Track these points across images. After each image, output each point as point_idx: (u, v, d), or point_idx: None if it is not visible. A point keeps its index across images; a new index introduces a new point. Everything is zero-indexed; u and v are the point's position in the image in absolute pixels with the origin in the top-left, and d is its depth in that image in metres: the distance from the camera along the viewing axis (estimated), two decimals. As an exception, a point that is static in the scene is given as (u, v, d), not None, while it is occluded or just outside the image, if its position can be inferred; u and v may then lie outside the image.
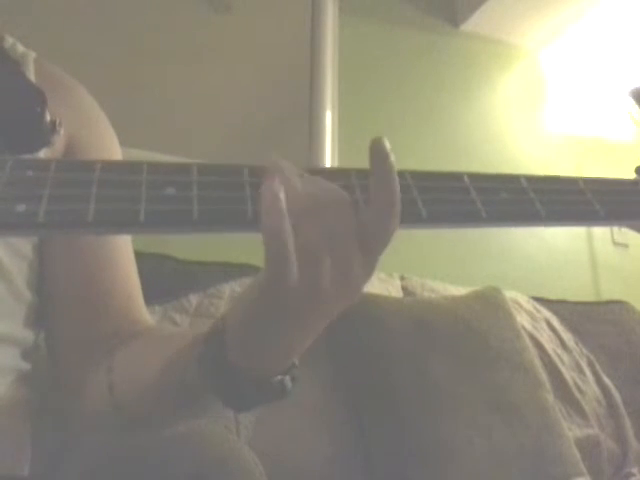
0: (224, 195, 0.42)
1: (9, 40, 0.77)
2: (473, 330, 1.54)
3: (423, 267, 1.90)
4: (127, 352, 0.66)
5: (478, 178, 0.50)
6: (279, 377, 0.51)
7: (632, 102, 2.30)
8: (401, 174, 0.48)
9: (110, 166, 0.42)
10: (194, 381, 0.53)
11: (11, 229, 0.39)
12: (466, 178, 0.50)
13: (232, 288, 1.46)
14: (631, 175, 0.60)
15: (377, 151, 0.45)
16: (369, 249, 0.45)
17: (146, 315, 0.75)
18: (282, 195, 0.42)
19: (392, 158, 0.45)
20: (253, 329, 0.48)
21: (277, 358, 0.50)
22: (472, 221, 0.48)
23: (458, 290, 1.77)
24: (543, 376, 1.59)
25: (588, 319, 1.95)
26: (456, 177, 0.50)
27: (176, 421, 0.64)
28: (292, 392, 0.52)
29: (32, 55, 0.77)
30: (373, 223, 0.45)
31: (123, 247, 0.75)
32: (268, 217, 0.42)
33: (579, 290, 2.18)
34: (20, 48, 0.77)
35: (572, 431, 1.57)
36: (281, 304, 0.45)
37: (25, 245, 0.69)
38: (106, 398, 0.64)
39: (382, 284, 1.70)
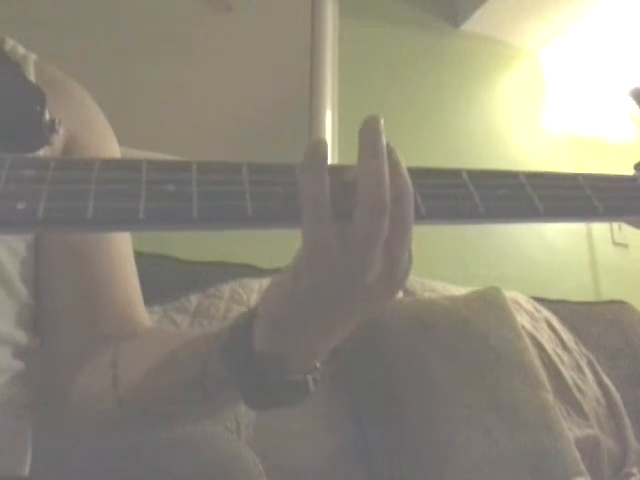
0: (224, 192, 0.42)
1: (9, 42, 0.78)
2: (473, 330, 1.54)
3: (423, 267, 1.90)
4: (131, 347, 0.66)
5: (476, 174, 0.50)
6: (302, 377, 0.50)
7: (632, 102, 2.30)
8: None
9: (109, 164, 0.42)
10: (214, 375, 0.52)
11: (11, 226, 0.39)
12: (465, 174, 0.50)
13: (232, 288, 1.46)
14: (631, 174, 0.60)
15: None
16: (409, 241, 0.45)
17: (145, 317, 0.74)
18: (326, 181, 0.42)
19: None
20: (290, 324, 0.47)
21: (305, 354, 0.49)
22: (470, 217, 0.48)
23: (458, 290, 1.77)
24: (543, 376, 1.59)
25: (588, 319, 1.95)
26: (455, 173, 0.50)
27: (183, 419, 0.63)
28: (314, 393, 0.51)
29: (32, 57, 0.77)
30: (402, 204, 0.44)
31: (123, 248, 0.75)
32: (309, 205, 0.42)
33: (579, 290, 2.18)
34: (21, 50, 0.78)
35: (572, 431, 1.57)
36: (323, 299, 0.44)
37: (19, 243, 0.68)
38: (110, 393, 0.63)
39: (382, 284, 1.69)
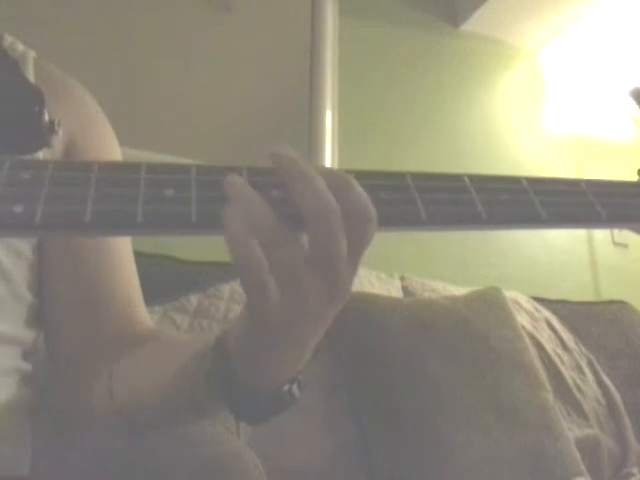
0: (223, 196, 0.42)
1: (8, 39, 0.77)
2: (473, 330, 1.54)
3: (423, 267, 1.90)
4: (128, 359, 0.66)
5: (478, 179, 0.49)
6: (287, 386, 0.50)
7: (632, 102, 2.29)
8: (401, 175, 0.47)
9: (108, 167, 0.41)
10: (203, 395, 0.52)
11: (8, 230, 0.39)
12: (466, 179, 0.49)
13: (232, 288, 1.46)
14: (631, 175, 0.60)
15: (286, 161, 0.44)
16: (351, 250, 0.44)
17: (146, 317, 0.74)
18: (245, 218, 0.41)
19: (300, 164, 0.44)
20: (250, 346, 0.48)
21: (281, 370, 0.49)
22: (472, 223, 0.47)
23: (458, 290, 1.77)
24: (543, 376, 1.59)
25: (588, 319, 1.95)
26: (456, 178, 0.49)
27: (178, 427, 0.64)
28: (300, 399, 0.52)
29: (32, 54, 0.77)
30: (352, 231, 0.43)
31: (123, 249, 0.75)
32: (233, 244, 0.41)
33: (579, 290, 2.18)
34: (20, 47, 0.77)
35: (572, 431, 1.57)
36: (269, 320, 0.45)
37: (25, 246, 0.68)
38: (106, 403, 0.64)
39: (382, 284, 1.70)
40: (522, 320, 1.75)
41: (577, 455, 1.48)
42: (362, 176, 0.46)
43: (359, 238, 0.43)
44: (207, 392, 0.51)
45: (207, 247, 1.53)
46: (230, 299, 1.44)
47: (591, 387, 1.76)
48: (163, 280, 1.38)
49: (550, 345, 1.78)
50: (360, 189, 0.43)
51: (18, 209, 0.37)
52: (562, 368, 1.73)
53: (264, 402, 0.50)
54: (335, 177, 0.44)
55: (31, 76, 0.74)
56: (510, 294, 1.80)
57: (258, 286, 0.43)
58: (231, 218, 0.41)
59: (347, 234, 0.43)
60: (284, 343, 0.47)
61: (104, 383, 0.64)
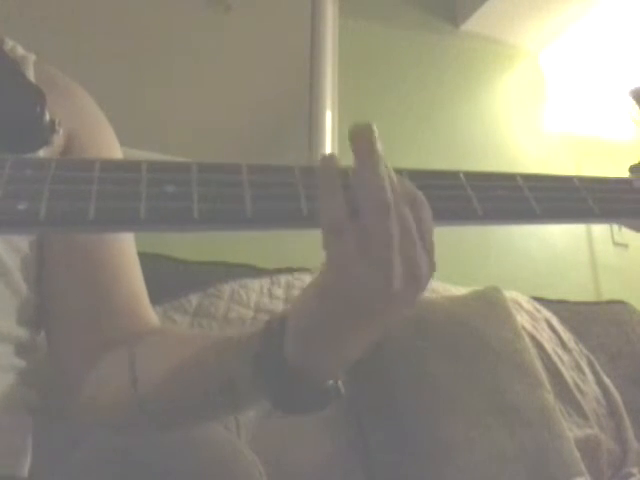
0: (224, 193, 0.42)
1: (9, 43, 0.78)
2: (473, 330, 1.54)
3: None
4: (149, 346, 0.66)
5: (474, 176, 0.50)
6: (333, 381, 0.50)
7: (632, 102, 2.30)
8: (397, 172, 0.48)
9: (110, 164, 0.42)
10: (245, 383, 0.52)
11: (13, 227, 0.39)
12: (462, 176, 0.50)
13: (232, 288, 1.46)
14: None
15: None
16: (429, 244, 0.45)
17: (152, 314, 0.74)
18: (340, 189, 0.42)
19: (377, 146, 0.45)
20: (318, 329, 0.47)
21: (337, 361, 0.49)
22: (468, 219, 0.48)
23: (458, 290, 1.77)
24: (543, 376, 1.59)
25: (588, 319, 1.95)
26: (452, 175, 0.50)
27: (204, 420, 0.63)
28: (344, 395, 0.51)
29: (32, 58, 0.77)
30: (429, 219, 0.45)
31: (126, 245, 0.75)
32: (327, 213, 0.42)
33: (579, 290, 2.18)
34: (20, 51, 0.78)
35: (572, 431, 1.57)
36: (351, 306, 0.45)
37: (22, 241, 0.69)
38: (128, 394, 0.63)
39: (382, 284, 1.69)
40: (522, 320, 1.75)
41: (577, 455, 1.48)
42: None
43: (429, 225, 0.45)
44: (252, 377, 0.51)
45: (207, 247, 1.54)
46: (230, 299, 1.44)
47: (591, 387, 1.76)
48: (163, 280, 1.38)
49: (550, 345, 1.78)
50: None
51: (22, 206, 0.38)
52: (562, 368, 1.73)
53: (309, 393, 0.49)
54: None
55: (32, 78, 0.74)
56: (510, 294, 1.80)
57: (342, 251, 0.43)
58: (331, 164, 0.43)
59: (419, 222, 0.45)
60: (350, 329, 0.47)
61: (125, 373, 0.63)
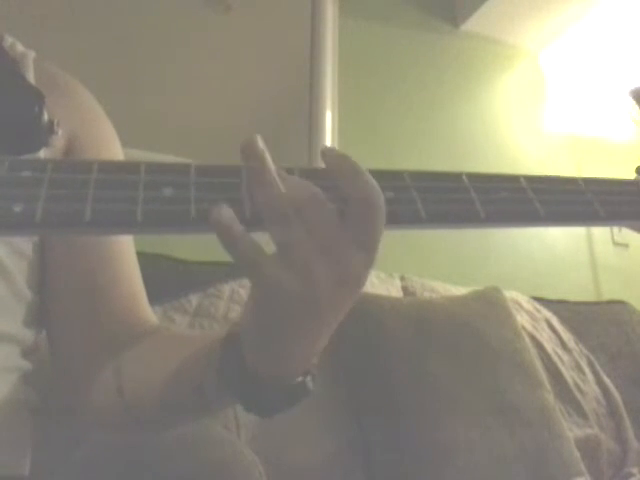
0: (221, 195, 0.42)
1: (8, 40, 0.77)
2: (473, 330, 1.54)
3: (423, 267, 1.90)
4: (135, 354, 0.66)
5: (477, 178, 0.50)
6: (300, 379, 0.50)
7: (632, 102, 2.30)
8: (400, 174, 0.47)
9: (107, 166, 0.42)
10: (213, 387, 0.52)
11: (8, 229, 0.39)
12: (465, 178, 0.49)
13: (232, 288, 1.46)
14: (631, 175, 0.60)
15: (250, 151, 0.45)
16: (360, 237, 0.44)
17: (151, 314, 0.75)
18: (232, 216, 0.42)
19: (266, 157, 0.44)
20: (260, 335, 0.47)
21: (293, 362, 0.49)
22: (471, 221, 0.48)
23: (458, 290, 1.77)
24: (543, 376, 1.59)
25: (588, 319, 1.95)
26: (455, 177, 0.49)
27: (188, 421, 0.64)
28: (313, 391, 0.51)
29: (31, 55, 0.77)
30: (355, 218, 0.44)
31: (125, 246, 0.75)
32: (230, 248, 0.42)
33: (579, 290, 2.18)
34: (19, 47, 0.77)
35: (572, 431, 1.57)
36: (280, 313, 0.44)
37: (25, 244, 0.69)
38: (115, 400, 0.63)
39: (382, 284, 1.70)
40: (522, 320, 1.75)
41: (577, 455, 1.48)
42: None
43: (366, 225, 0.44)
44: (217, 384, 0.51)
45: (207, 247, 1.54)
46: (230, 299, 1.44)
47: (591, 387, 1.76)
48: (163, 280, 1.38)
49: (550, 345, 1.78)
50: (367, 176, 0.44)
51: (18, 208, 0.37)
52: (562, 368, 1.73)
53: (276, 394, 0.49)
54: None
55: (31, 76, 0.74)
56: (510, 294, 1.80)
57: (262, 276, 0.43)
58: (222, 213, 0.42)
59: (352, 220, 0.44)
60: (295, 333, 0.46)
61: (112, 380, 0.64)
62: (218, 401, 0.56)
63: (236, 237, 0.42)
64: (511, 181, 0.51)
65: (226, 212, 0.42)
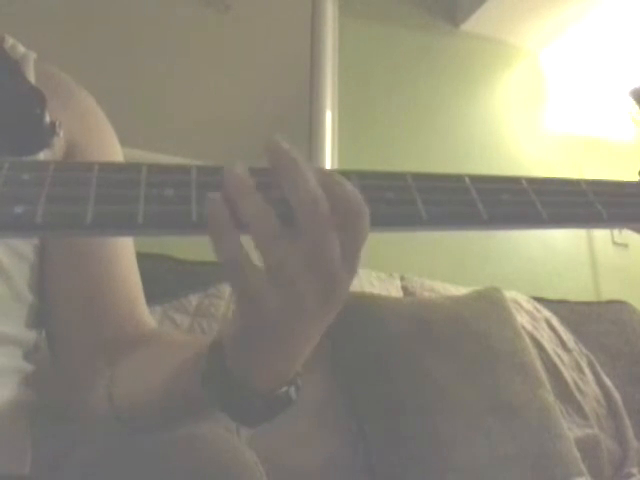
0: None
1: (9, 41, 0.77)
2: (473, 330, 1.54)
3: (423, 267, 1.90)
4: (128, 364, 0.66)
5: (479, 179, 0.49)
6: (284, 389, 0.50)
7: (632, 102, 2.30)
8: (402, 175, 0.47)
9: (108, 167, 0.41)
10: (199, 396, 0.52)
11: (9, 231, 0.39)
12: (467, 179, 0.49)
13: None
14: (632, 176, 0.60)
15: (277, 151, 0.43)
16: (346, 248, 0.43)
17: (148, 317, 0.75)
18: (242, 211, 0.41)
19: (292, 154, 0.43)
20: (244, 346, 0.47)
21: (277, 371, 0.49)
22: (473, 224, 0.47)
23: (458, 290, 1.77)
24: (543, 376, 1.59)
25: (588, 319, 1.95)
26: (457, 178, 0.49)
27: (177, 429, 0.64)
28: (297, 401, 0.51)
29: (32, 56, 0.77)
30: (342, 227, 0.42)
31: (124, 249, 0.75)
32: (219, 247, 0.41)
33: (579, 290, 2.18)
34: (20, 49, 0.77)
35: (572, 431, 1.57)
36: (263, 321, 0.44)
37: (26, 246, 0.69)
38: (106, 407, 0.64)
39: (382, 284, 1.70)
40: (522, 320, 1.75)
41: (577, 455, 1.48)
42: (362, 177, 0.46)
43: (352, 235, 0.42)
44: (202, 394, 0.51)
45: (207, 247, 1.54)
46: (230, 299, 1.44)
47: (591, 387, 1.76)
48: (163, 280, 1.38)
49: (550, 345, 1.78)
50: (350, 186, 0.43)
51: (19, 210, 0.37)
52: (562, 368, 1.73)
53: (259, 404, 0.49)
54: (324, 174, 0.44)
55: (32, 78, 0.74)
56: (510, 294, 1.80)
57: (247, 286, 0.42)
58: (217, 209, 0.41)
59: (339, 231, 0.42)
60: (279, 344, 0.46)
61: (104, 387, 0.64)
62: (204, 410, 0.56)
63: (226, 233, 0.41)
64: (513, 183, 0.50)
65: (221, 205, 0.41)
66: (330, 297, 0.43)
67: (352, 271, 0.44)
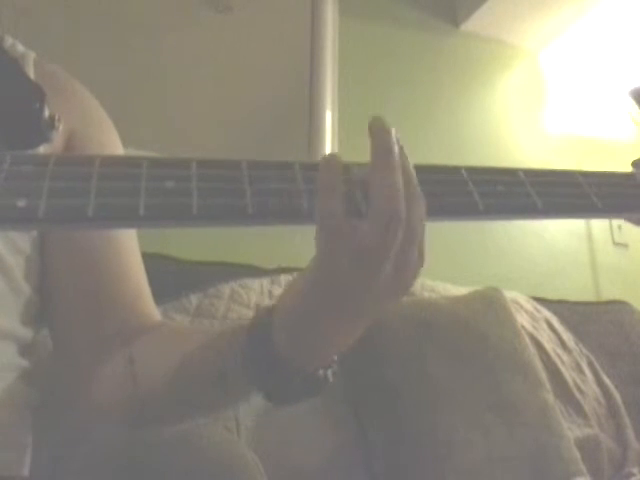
0: (223, 189, 0.42)
1: (9, 40, 0.77)
2: (473, 330, 1.54)
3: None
4: (148, 344, 0.66)
5: (475, 171, 0.50)
6: (323, 371, 0.50)
7: (632, 102, 2.30)
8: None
9: (109, 160, 0.42)
10: (234, 373, 0.52)
11: (12, 224, 0.39)
12: (464, 171, 0.50)
13: (232, 288, 1.46)
14: (630, 173, 0.60)
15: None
16: (420, 240, 0.46)
17: (154, 309, 0.75)
18: (339, 188, 0.42)
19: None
20: (304, 322, 0.48)
21: (325, 351, 0.50)
22: (470, 214, 0.48)
23: (458, 290, 1.77)
24: (543, 376, 1.58)
25: (588, 319, 1.95)
26: (454, 170, 0.50)
27: (200, 414, 0.64)
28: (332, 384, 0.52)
29: (32, 55, 0.77)
30: (413, 210, 0.44)
31: (128, 241, 0.75)
32: (324, 212, 0.43)
33: (579, 290, 2.18)
34: (20, 48, 0.77)
35: (572, 431, 1.57)
36: (336, 299, 0.45)
37: (23, 240, 0.68)
38: (129, 390, 0.63)
39: (382, 284, 1.69)
40: (522, 320, 1.75)
41: (577, 455, 1.48)
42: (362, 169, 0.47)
43: (422, 227, 0.45)
44: (242, 370, 0.51)
45: (207, 247, 1.54)
46: (230, 299, 1.44)
47: (591, 387, 1.76)
48: (163, 280, 1.38)
49: (550, 345, 1.78)
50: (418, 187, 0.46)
51: (21, 203, 0.38)
52: (562, 368, 1.73)
53: (299, 383, 0.50)
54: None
55: (32, 75, 0.74)
56: (510, 294, 1.79)
57: (333, 258, 0.43)
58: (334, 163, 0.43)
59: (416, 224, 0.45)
60: (342, 323, 0.47)
61: (125, 369, 0.64)
62: (239, 389, 0.56)
63: (336, 191, 0.42)
64: (509, 174, 0.51)
65: (338, 161, 0.43)
66: (401, 281, 0.45)
67: (420, 260, 0.46)
